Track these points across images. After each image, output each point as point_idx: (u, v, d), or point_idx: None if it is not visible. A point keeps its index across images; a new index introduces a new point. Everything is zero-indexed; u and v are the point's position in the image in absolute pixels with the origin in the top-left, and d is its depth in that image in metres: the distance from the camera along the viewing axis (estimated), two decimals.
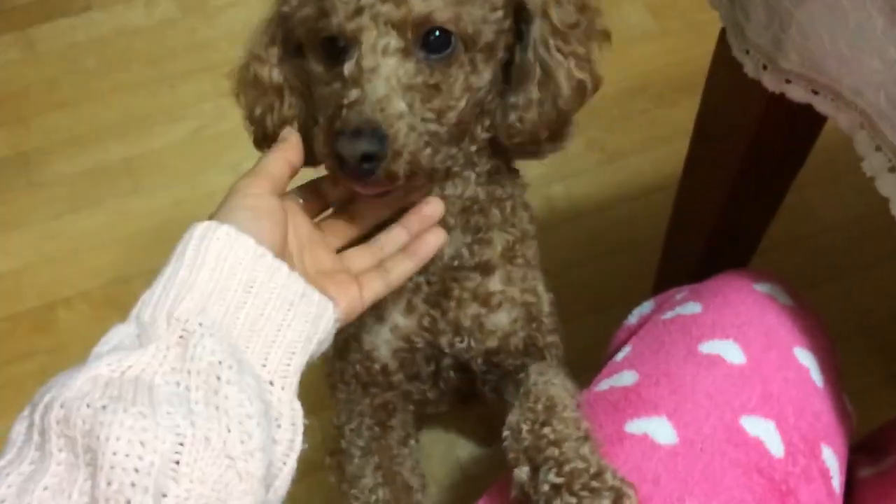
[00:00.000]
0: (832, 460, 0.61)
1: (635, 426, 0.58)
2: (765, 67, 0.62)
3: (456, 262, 0.67)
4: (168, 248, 1.53)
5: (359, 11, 0.52)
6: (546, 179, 1.56)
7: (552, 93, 0.59)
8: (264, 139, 0.63)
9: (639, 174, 1.55)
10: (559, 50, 0.58)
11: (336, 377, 0.74)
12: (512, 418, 0.60)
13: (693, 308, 0.68)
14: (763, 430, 0.59)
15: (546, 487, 0.52)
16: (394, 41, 0.53)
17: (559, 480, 0.51)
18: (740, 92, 0.71)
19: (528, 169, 1.55)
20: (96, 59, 1.73)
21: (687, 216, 0.94)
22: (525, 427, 0.57)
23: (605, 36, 0.62)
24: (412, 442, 0.75)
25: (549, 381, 0.63)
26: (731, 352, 0.63)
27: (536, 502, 0.52)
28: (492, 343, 0.69)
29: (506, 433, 0.59)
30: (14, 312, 1.41)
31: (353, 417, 0.73)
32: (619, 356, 0.68)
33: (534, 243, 0.72)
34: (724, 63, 0.72)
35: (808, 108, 0.63)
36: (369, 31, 0.52)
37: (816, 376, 0.64)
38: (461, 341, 0.69)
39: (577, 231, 1.50)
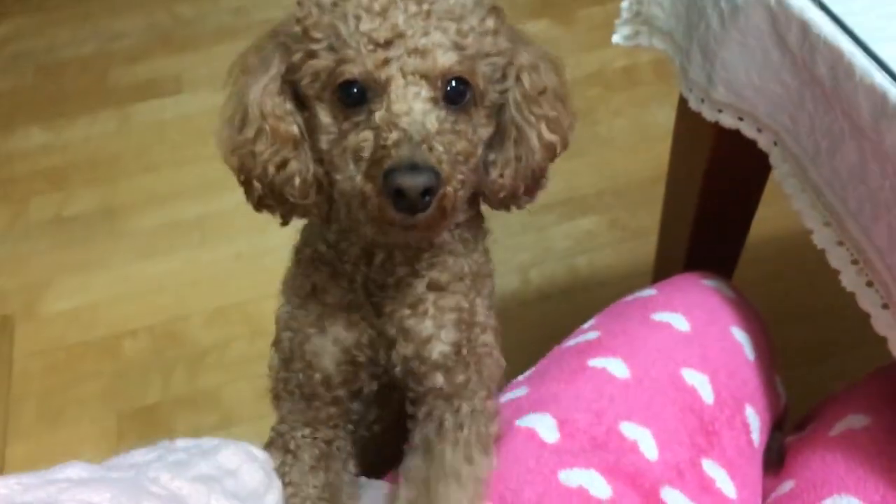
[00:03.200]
0: (754, 418, 0.71)
1: (596, 362, 0.71)
2: (703, 101, 0.77)
3: (395, 280, 0.67)
4: (225, 293, 1.77)
5: (386, 62, 0.55)
6: (572, 252, 1.70)
7: (525, 151, 0.63)
8: (270, 195, 0.63)
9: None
10: (532, 113, 0.62)
11: (280, 387, 0.72)
12: (409, 480, 0.62)
13: (650, 292, 0.81)
14: (699, 381, 0.70)
15: None
16: (423, 90, 0.55)
17: None
18: (695, 134, 0.86)
19: (555, 242, 1.69)
20: (181, 133, 1.97)
21: (666, 248, 1.07)
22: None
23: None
24: (350, 467, 0.72)
25: (455, 472, 0.62)
26: (678, 321, 0.75)
27: None
28: (419, 349, 0.67)
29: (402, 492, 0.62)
30: (86, 339, 1.59)
31: (300, 427, 0.70)
32: (586, 325, 0.80)
33: (490, 282, 0.73)
34: (683, 112, 0.86)
35: (750, 145, 0.76)
36: (397, 80, 0.55)
37: (749, 352, 0.75)
38: (394, 354, 0.67)
39: (598, 298, 1.60)
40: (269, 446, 0.71)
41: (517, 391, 0.71)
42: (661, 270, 1.12)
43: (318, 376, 0.68)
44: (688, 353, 0.72)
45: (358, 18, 0.55)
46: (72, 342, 1.59)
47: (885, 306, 0.59)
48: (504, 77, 0.62)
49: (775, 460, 0.74)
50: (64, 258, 1.73)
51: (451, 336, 0.67)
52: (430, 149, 0.54)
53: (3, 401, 1.49)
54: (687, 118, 0.86)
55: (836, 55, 0.58)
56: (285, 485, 0.67)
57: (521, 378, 0.75)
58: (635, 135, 1.91)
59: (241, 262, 1.69)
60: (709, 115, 0.76)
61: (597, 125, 1.95)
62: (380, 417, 0.74)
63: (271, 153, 0.60)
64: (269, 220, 0.73)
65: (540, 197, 1.74)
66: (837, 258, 0.63)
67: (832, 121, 0.62)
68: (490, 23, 0.59)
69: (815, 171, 0.66)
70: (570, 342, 0.77)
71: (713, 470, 0.65)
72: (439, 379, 0.67)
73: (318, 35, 0.57)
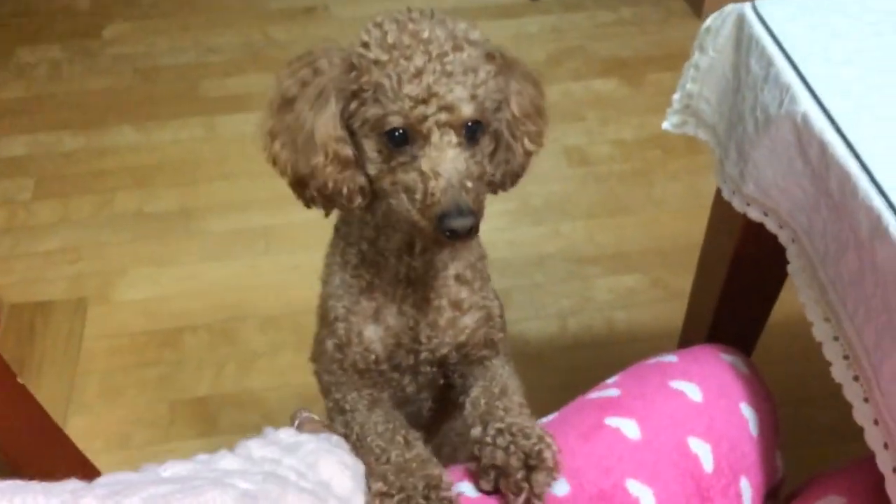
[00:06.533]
0: (747, 490, 0.78)
1: (613, 421, 0.79)
2: (734, 193, 0.85)
3: (431, 273, 0.84)
4: (282, 301, 1.93)
5: (424, 118, 0.69)
6: (611, 305, 1.78)
7: (512, 157, 0.80)
8: (320, 198, 0.77)
9: None
10: (518, 130, 0.79)
11: (335, 367, 0.87)
12: (474, 393, 0.81)
13: (670, 358, 0.88)
14: (702, 450, 0.78)
15: (492, 432, 0.73)
16: (453, 137, 0.70)
17: (501, 425, 0.73)
18: (728, 219, 0.94)
19: (597, 294, 1.76)
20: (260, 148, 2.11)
21: (694, 315, 1.14)
22: (483, 400, 0.79)
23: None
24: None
25: (507, 375, 0.84)
26: (692, 391, 0.82)
27: (486, 447, 0.73)
28: (462, 338, 0.87)
29: (468, 406, 0.80)
30: (151, 329, 1.72)
31: (351, 391, 0.87)
32: (609, 381, 0.88)
33: (484, 264, 0.90)
34: (719, 198, 0.94)
35: (774, 237, 0.84)
36: (434, 132, 0.69)
37: (753, 428, 0.83)
38: (436, 337, 0.85)
39: (629, 353, 1.67)
40: (330, 412, 0.89)
41: None
42: (687, 336, 1.19)
43: (372, 357, 0.85)
44: (696, 423, 0.79)
45: (400, 80, 0.68)
46: (137, 330, 1.72)
47: (865, 400, 0.66)
48: (500, 107, 0.77)
49: None
50: (140, 251, 1.88)
51: (483, 328, 0.88)
52: (466, 190, 0.68)
53: (69, 375, 1.63)
54: (722, 203, 0.94)
55: (845, 174, 0.66)
56: (353, 432, 0.82)
57: (544, 420, 0.83)
58: (688, 200, 1.99)
59: (298, 274, 1.80)
60: (738, 206, 0.84)
61: (652, 186, 2.03)
62: (412, 381, 0.92)
63: (334, 171, 0.75)
64: (328, 238, 0.88)
65: (588, 249, 1.80)
66: (831, 351, 0.71)
67: (840, 229, 0.69)
68: (491, 69, 0.73)
69: (822, 271, 0.74)
70: (593, 395, 0.85)
71: None
72: (482, 353, 0.88)
73: (368, 89, 0.71)
